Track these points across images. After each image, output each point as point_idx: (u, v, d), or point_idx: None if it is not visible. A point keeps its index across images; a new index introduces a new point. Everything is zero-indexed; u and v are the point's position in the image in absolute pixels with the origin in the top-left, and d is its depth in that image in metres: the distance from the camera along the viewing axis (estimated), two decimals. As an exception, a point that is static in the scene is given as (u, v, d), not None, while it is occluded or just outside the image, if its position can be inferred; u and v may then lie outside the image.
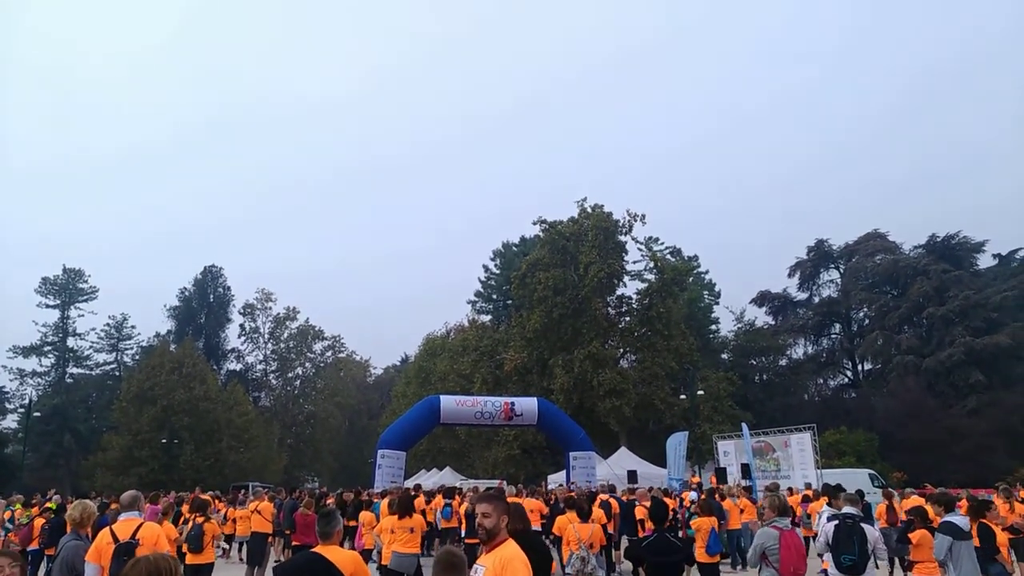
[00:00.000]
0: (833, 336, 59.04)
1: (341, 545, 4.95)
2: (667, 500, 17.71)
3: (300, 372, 72.74)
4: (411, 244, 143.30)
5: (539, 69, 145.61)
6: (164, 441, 51.09)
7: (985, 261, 53.28)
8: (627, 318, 46.63)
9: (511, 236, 62.89)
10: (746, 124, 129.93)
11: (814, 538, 12.40)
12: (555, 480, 32.42)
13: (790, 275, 60.09)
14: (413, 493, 17.12)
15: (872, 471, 30.16)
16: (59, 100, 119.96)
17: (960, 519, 7.81)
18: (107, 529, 6.18)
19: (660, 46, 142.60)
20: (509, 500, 4.28)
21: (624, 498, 17.29)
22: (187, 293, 70.04)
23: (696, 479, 25.94)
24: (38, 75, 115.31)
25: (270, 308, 70.99)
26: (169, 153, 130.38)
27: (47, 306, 64.50)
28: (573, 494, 15.35)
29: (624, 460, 33.26)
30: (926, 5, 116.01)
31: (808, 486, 20.17)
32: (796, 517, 15.67)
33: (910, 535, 8.56)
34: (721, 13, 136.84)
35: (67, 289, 65.06)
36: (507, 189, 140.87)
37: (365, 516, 14.25)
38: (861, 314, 56.81)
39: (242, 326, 71.00)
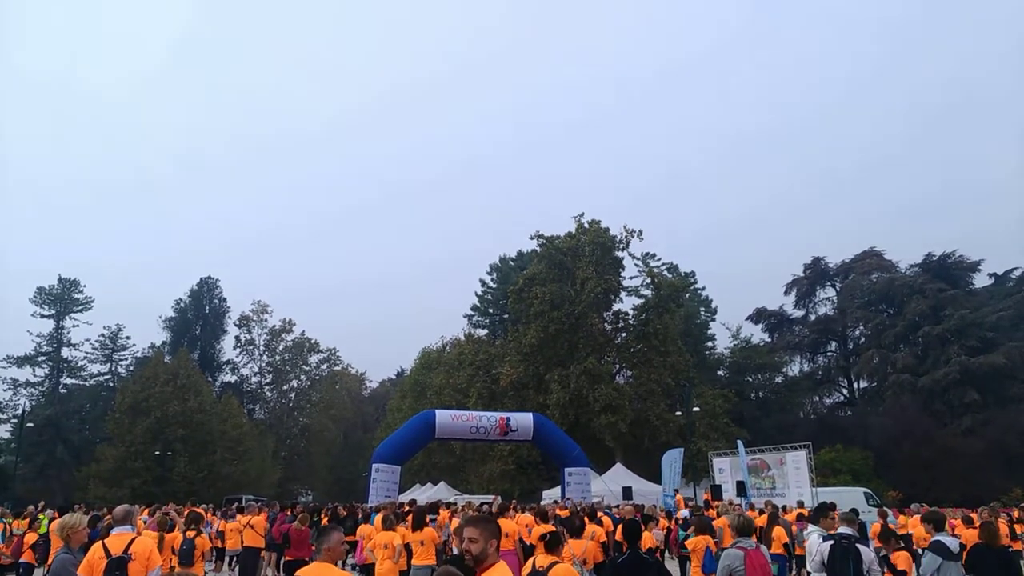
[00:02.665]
0: (829, 354, 59.06)
1: (343, 561, 4.87)
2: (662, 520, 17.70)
3: (295, 385, 72.57)
4: (409, 258, 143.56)
5: (542, 88, 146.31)
6: (157, 453, 50.82)
7: (980, 281, 53.62)
8: (623, 334, 46.64)
9: (508, 251, 63.09)
10: (745, 144, 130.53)
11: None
12: (550, 496, 32.34)
13: (786, 292, 60.29)
14: (408, 508, 17.03)
15: (867, 490, 30.11)
16: (62, 116, 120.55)
17: (950, 539, 7.79)
18: (99, 543, 6.16)
19: (661, 69, 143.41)
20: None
21: (618, 515, 17.24)
22: (183, 304, 69.93)
23: (680, 498, 25.70)
24: (38, 89, 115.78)
25: (266, 320, 71.02)
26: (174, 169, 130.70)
27: (42, 316, 64.37)
28: (566, 511, 15.32)
29: (620, 476, 33.18)
30: (926, 35, 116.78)
31: (800, 504, 20.08)
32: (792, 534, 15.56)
33: (892, 560, 8.50)
34: (722, 38, 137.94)
35: (62, 299, 64.88)
36: (504, 205, 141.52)
37: (364, 529, 14.13)
38: (857, 332, 56.88)
39: (237, 338, 71.01)
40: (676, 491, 27.23)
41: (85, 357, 66.05)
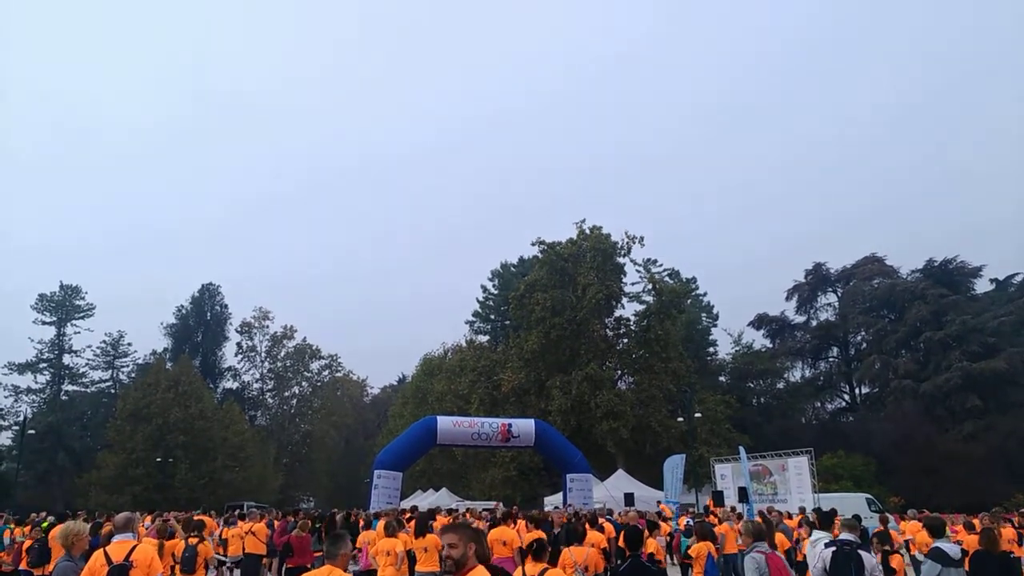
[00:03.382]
0: (831, 360, 58.99)
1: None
2: (664, 524, 17.67)
3: (297, 391, 72.52)
4: (412, 262, 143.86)
5: (540, 80, 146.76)
6: (159, 460, 50.77)
7: (982, 286, 53.53)
8: (625, 340, 46.63)
9: (510, 257, 63.11)
10: (744, 145, 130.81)
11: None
12: (552, 502, 32.26)
13: (788, 298, 60.16)
14: (410, 515, 17.03)
15: (869, 496, 30.04)
16: (58, 117, 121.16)
17: (950, 546, 7.76)
18: (101, 551, 6.17)
19: (660, 62, 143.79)
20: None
21: (620, 520, 17.22)
22: (184, 311, 70.02)
23: (664, 506, 25.53)
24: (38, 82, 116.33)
25: (267, 327, 71.02)
26: (170, 162, 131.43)
27: (43, 323, 64.44)
28: (564, 517, 15.30)
29: (622, 483, 33.12)
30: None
31: (802, 510, 20.02)
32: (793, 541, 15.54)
33: (891, 563, 8.49)
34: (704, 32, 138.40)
35: (64, 306, 64.96)
36: (506, 205, 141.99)
37: (368, 535, 14.09)
38: (859, 338, 56.77)
39: (239, 344, 71.02)
40: (659, 502, 27.23)
41: (86, 364, 66.30)
